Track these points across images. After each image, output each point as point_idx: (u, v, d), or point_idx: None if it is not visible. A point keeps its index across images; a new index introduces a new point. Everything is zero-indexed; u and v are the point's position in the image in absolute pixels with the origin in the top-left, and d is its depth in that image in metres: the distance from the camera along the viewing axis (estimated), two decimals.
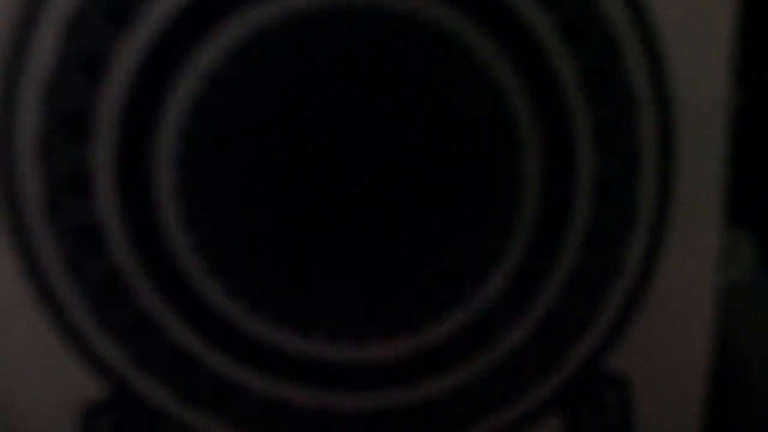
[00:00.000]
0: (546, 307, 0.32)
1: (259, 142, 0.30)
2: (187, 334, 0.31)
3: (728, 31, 0.32)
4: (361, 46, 0.30)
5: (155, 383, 0.31)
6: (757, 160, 0.38)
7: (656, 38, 0.31)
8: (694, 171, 0.32)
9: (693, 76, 0.32)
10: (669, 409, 0.34)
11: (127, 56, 0.29)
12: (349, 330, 0.31)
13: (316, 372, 0.31)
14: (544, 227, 0.31)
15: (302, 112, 0.30)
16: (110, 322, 0.31)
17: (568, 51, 0.31)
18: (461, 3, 0.30)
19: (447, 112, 0.30)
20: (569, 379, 0.32)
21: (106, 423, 0.31)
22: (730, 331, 0.34)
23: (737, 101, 0.33)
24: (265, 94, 0.30)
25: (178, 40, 0.29)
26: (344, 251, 0.31)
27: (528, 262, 0.31)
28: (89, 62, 0.29)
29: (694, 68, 0.32)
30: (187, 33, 0.29)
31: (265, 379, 0.31)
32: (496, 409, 0.32)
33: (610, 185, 0.31)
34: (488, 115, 0.31)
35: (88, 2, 0.29)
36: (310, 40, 0.30)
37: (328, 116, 0.30)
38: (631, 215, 0.32)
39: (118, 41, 0.29)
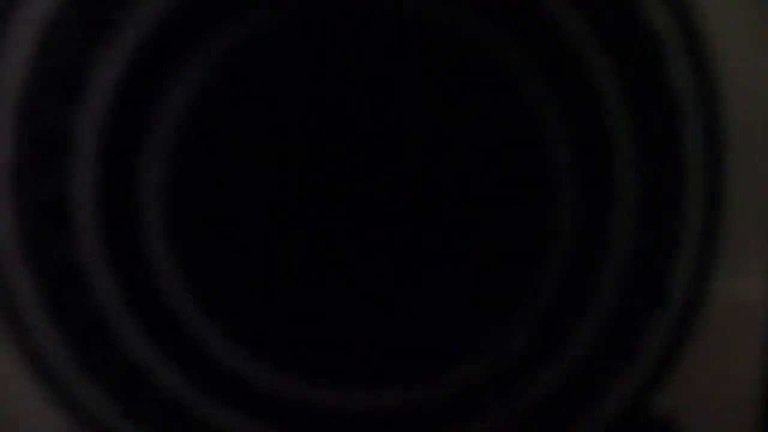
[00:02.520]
0: (583, 343, 0.28)
1: (257, 169, 0.27)
2: (179, 382, 0.27)
3: None
4: (372, 58, 0.26)
5: None
6: None
7: (704, 46, 0.28)
8: (746, 189, 0.29)
9: (745, 85, 0.29)
10: None
11: (108, 71, 0.26)
12: (357, 377, 0.27)
13: (322, 422, 0.28)
14: (580, 255, 0.28)
15: (304, 136, 0.27)
16: (95, 369, 0.28)
17: (608, 61, 0.27)
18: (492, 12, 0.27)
19: (476, 131, 0.27)
20: (610, 422, 0.29)
21: None
22: None
23: None
24: (262, 111, 0.26)
25: (165, 52, 0.26)
26: (352, 292, 0.27)
27: (563, 294, 0.28)
28: (67, 78, 0.26)
29: (746, 78, 0.29)
30: (175, 44, 0.26)
31: (267, 430, 0.28)
32: None
33: (652, 206, 0.28)
34: (519, 134, 0.27)
35: (64, 12, 0.26)
36: (311, 50, 0.26)
37: (334, 139, 0.27)
38: (676, 238, 0.28)
39: (97, 54, 0.26)
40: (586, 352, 0.28)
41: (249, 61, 0.26)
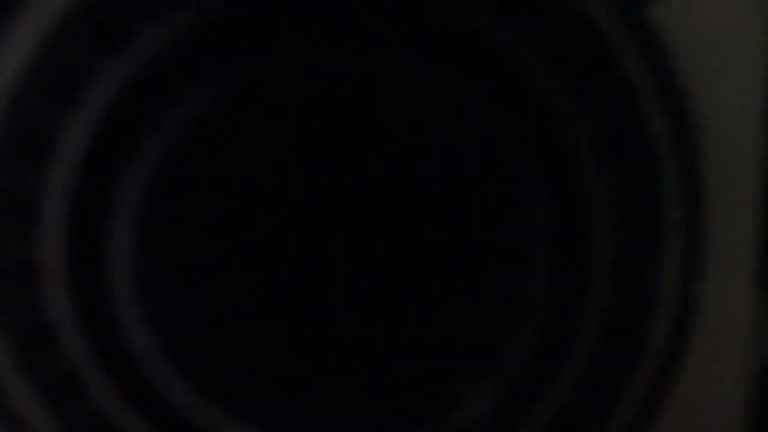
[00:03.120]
0: (559, 401, 0.28)
1: (230, 226, 0.26)
2: None
3: (763, 81, 0.28)
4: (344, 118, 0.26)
5: None
6: None
7: (681, 91, 0.27)
8: (725, 239, 0.29)
9: (723, 131, 0.28)
10: None
11: (75, 136, 0.26)
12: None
13: None
14: (556, 313, 0.27)
15: (278, 202, 0.26)
16: (67, 428, 0.27)
17: (580, 110, 0.27)
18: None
19: (450, 186, 0.27)
20: None
21: None
22: None
23: None
24: (230, 172, 0.26)
25: (132, 117, 0.26)
26: (326, 349, 0.27)
27: (540, 351, 0.28)
28: (32, 143, 0.26)
29: (725, 123, 0.28)
30: (142, 108, 0.26)
31: None
32: None
33: (630, 262, 0.28)
34: (490, 188, 0.27)
35: (30, 76, 0.26)
36: (279, 114, 0.26)
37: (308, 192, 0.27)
38: (654, 294, 0.28)
39: (63, 119, 0.26)
40: (562, 409, 0.28)
41: (217, 125, 0.26)
